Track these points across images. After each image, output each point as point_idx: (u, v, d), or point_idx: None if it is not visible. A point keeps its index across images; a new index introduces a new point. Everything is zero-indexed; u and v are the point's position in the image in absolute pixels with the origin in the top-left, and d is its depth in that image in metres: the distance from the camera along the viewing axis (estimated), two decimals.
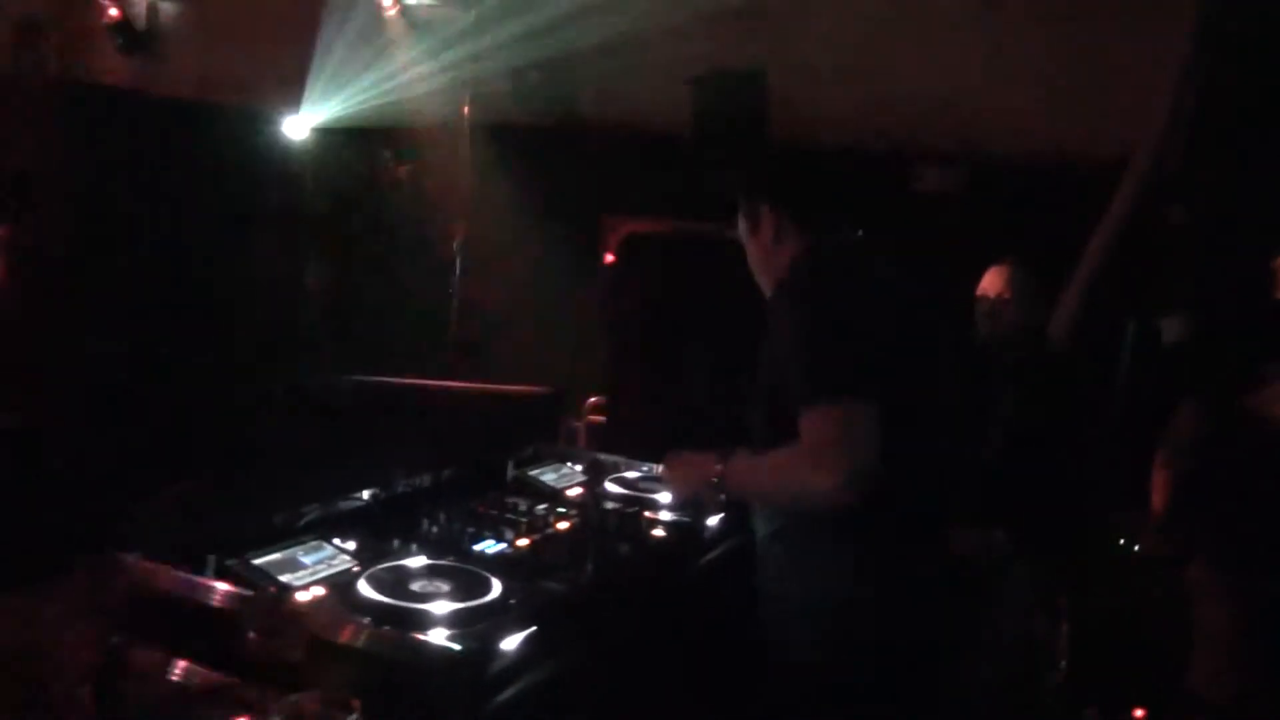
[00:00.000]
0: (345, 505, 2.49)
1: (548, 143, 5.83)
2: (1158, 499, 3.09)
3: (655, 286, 4.86)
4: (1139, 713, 3.37)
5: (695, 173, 4.69)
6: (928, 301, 2.56)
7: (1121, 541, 3.61)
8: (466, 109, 5.54)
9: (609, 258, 5.68)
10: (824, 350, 2.22)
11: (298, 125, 6.24)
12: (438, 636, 1.88)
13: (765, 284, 2.53)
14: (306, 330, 4.96)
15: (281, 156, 5.87)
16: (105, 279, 4.36)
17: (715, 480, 2.43)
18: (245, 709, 1.75)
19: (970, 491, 3.25)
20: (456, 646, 1.83)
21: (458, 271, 5.74)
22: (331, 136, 6.35)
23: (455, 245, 5.80)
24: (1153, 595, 3.27)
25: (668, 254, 4.90)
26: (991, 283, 3.51)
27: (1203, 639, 2.92)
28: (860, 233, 2.61)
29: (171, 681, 1.87)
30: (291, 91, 6.27)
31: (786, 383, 2.24)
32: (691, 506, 2.69)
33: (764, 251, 2.49)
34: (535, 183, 5.87)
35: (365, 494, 2.55)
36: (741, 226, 2.55)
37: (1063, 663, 3.47)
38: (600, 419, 5.17)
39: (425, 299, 5.98)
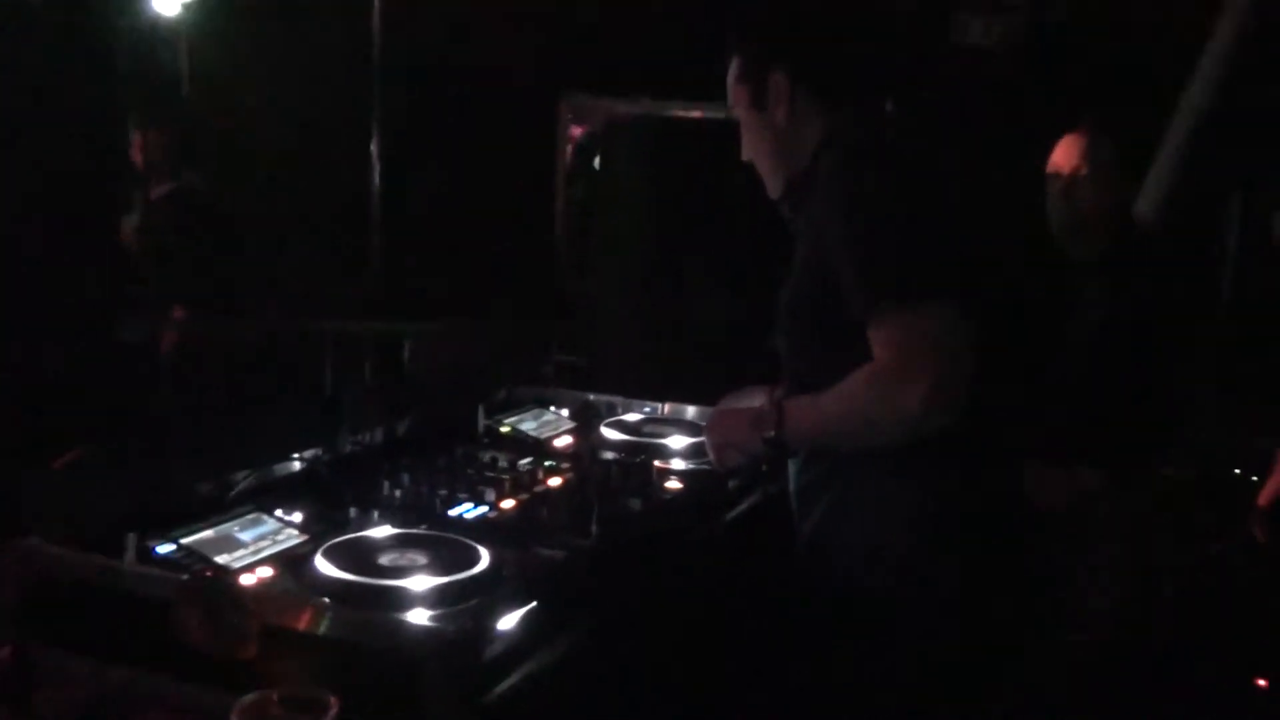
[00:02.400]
0: (284, 470, 2.57)
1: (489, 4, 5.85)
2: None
3: (644, 186, 4.90)
4: (1262, 682, 3.51)
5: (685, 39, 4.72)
6: (985, 185, 2.63)
7: (1236, 471, 3.73)
8: None
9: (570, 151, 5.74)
10: (893, 246, 2.25)
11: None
12: (419, 617, 1.96)
13: (771, 172, 2.56)
14: (193, 252, 4.96)
15: (150, 38, 5.84)
16: None
17: (774, 433, 2.42)
18: (187, 714, 1.84)
19: (1049, 418, 3.36)
20: (445, 627, 1.91)
21: (376, 176, 5.77)
22: (209, 13, 6.31)
23: (372, 144, 5.82)
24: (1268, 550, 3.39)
25: (658, 144, 4.93)
26: (1064, 156, 3.55)
27: None
28: (890, 105, 2.66)
29: (92, 687, 1.96)
30: None
31: (831, 294, 2.29)
32: (744, 468, 2.67)
33: (773, 132, 2.50)
34: (475, 57, 5.89)
35: (307, 455, 2.62)
36: (739, 102, 2.55)
37: (1166, 629, 3.60)
38: (571, 357, 5.25)
39: (335, 210, 6.01)
